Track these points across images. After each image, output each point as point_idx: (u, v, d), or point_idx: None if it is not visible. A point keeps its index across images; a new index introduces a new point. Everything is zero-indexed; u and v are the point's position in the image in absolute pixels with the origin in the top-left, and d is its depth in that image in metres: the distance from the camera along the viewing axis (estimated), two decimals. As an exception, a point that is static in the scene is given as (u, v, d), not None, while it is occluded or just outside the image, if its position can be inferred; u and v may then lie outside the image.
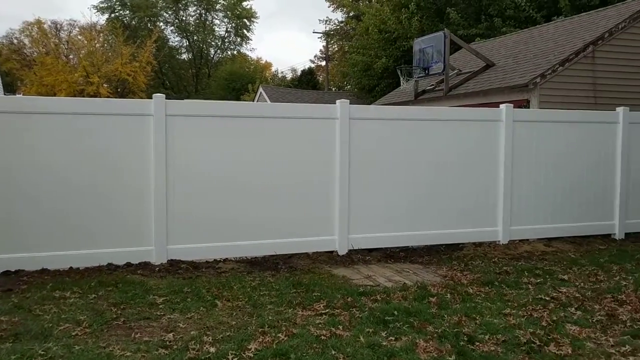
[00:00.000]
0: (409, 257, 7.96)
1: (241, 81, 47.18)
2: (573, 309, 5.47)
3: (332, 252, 7.93)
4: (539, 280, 6.53)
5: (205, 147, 7.33)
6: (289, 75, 56.34)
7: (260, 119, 7.63)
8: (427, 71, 14.43)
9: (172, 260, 7.17)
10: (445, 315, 5.22)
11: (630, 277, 6.68)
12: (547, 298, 5.81)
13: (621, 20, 12.20)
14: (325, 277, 6.73)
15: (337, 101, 8.02)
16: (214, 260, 7.42)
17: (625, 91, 12.20)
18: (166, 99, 7.22)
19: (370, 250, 8.14)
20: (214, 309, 5.40)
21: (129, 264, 6.99)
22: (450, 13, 23.33)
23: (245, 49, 65.20)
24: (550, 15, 20.81)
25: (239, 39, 64.41)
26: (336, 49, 46.00)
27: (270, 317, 5.13)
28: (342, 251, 7.92)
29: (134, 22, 57.35)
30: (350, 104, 8.05)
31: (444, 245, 8.48)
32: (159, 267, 6.96)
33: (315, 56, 63.01)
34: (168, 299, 5.64)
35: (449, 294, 5.96)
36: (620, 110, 9.40)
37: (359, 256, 7.92)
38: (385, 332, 4.80)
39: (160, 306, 5.45)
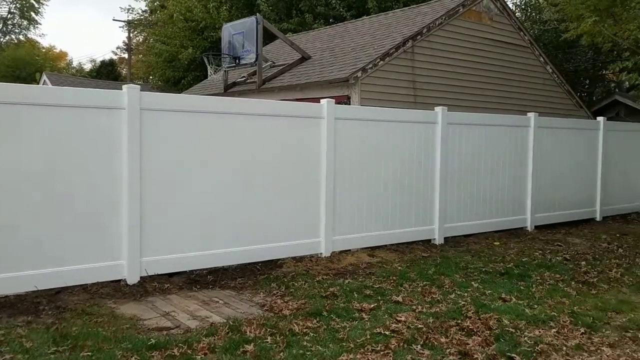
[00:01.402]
0: (219, 281, 6.51)
1: (27, 69, 41.56)
2: (419, 346, 4.49)
3: (119, 281, 6.13)
4: (372, 305, 5.52)
5: None
6: (88, 66, 51.30)
7: None
8: (237, 61, 13.04)
9: None
10: (267, 376, 3.87)
11: (465, 294, 6.01)
12: (387, 332, 4.79)
13: (438, 17, 12.09)
14: (106, 321, 4.98)
15: (124, 86, 6.22)
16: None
17: (443, 90, 12.13)
18: None
19: (170, 275, 6.52)
20: None
21: None
22: (260, 5, 22.36)
23: (33, 34, 57.59)
24: (359, 14, 20.94)
25: (25, 22, 56.59)
26: (141, 40, 42.69)
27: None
28: (132, 279, 6.16)
29: None
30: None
31: (260, 262, 7.17)
32: None
33: (117, 47, 58.49)
34: None
35: (269, 337, 4.63)
36: (439, 109, 8.99)
37: (155, 284, 6.25)
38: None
39: None
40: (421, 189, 8.76)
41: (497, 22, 13.25)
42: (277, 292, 6.07)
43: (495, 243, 9.12)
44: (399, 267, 7.25)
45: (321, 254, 7.69)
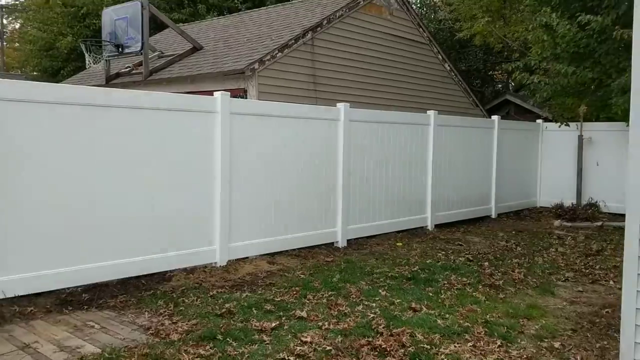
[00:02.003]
0: (96, 301, 5.61)
1: None
2: (329, 374, 3.95)
3: (-35, 307, 5.06)
4: (274, 324, 4.91)
5: None
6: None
7: None
8: (121, 49, 11.85)
9: None
10: None
11: (374, 304, 5.57)
12: (292, 358, 4.20)
13: (338, 8, 11.67)
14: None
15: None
16: None
17: (345, 86, 11.74)
18: None
19: (37, 296, 5.52)
20: None
21: None
22: (150, -8, 21.00)
23: None
24: (255, 7, 20.26)
25: None
26: (17, 26, 39.08)
27: None
28: (-16, 305, 5.11)
29: None
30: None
31: (145, 276, 6.32)
32: None
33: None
34: None
35: (153, 372, 3.89)
36: (341, 106, 8.55)
37: (15, 308, 5.24)
38: None
39: None
40: (324, 189, 8.28)
41: (397, 17, 13.11)
42: (165, 311, 5.31)
43: (398, 244, 8.86)
44: (302, 276, 6.70)
45: (216, 263, 6.97)
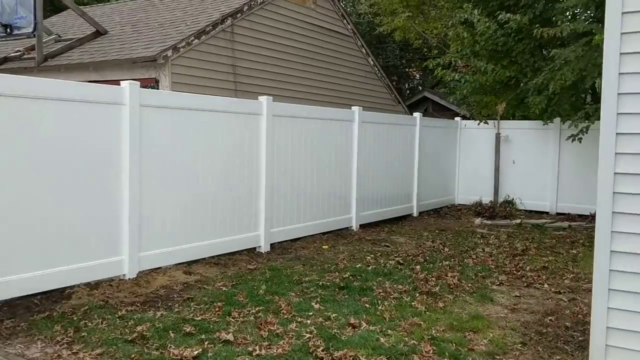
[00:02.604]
0: (-28, 329, 4.65)
1: None
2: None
3: None
4: (196, 352, 4.23)
5: None
6: None
7: None
8: (8, 30, 10.46)
9: None
10: None
11: (308, 321, 5.01)
12: (221, 396, 3.56)
13: (259, -5, 11.00)
14: None
15: None
16: None
17: (267, 78, 11.07)
18: None
19: None
20: None
21: None
22: (46, -30, 19.16)
23: None
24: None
25: None
26: None
27: None
28: None
29: None
30: None
31: (39, 295, 5.40)
32: None
33: None
34: None
35: None
36: (263, 99, 7.91)
37: None
38: None
39: None
40: (245, 190, 7.62)
41: (321, 6, 12.59)
42: (63, 339, 4.48)
43: (323, 246, 8.38)
44: (224, 288, 6.02)
45: (124, 275, 6.13)
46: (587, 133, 10.60)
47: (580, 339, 4.68)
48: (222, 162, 7.25)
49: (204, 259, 7.08)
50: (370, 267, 7.15)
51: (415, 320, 5.00)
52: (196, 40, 9.62)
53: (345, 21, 13.30)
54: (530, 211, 12.32)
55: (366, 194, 10.02)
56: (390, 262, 7.48)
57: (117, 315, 5.02)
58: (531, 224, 10.82)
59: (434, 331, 4.76)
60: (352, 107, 9.76)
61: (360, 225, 9.96)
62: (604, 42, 3.25)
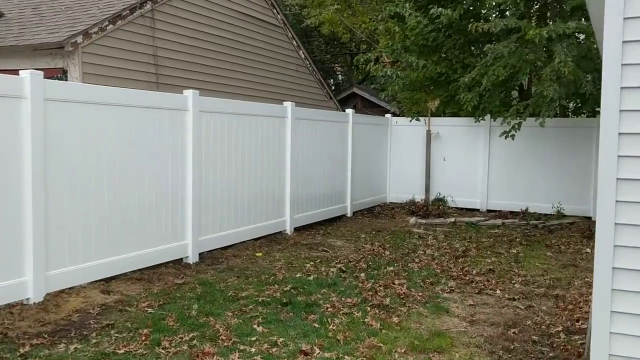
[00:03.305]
0: None
1: None
2: None
3: None
4: (121, 398, 3.48)
5: None
6: None
7: None
8: None
9: None
10: None
11: (253, 349, 4.36)
12: None
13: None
14: None
15: None
16: None
17: (192, 70, 10.18)
18: None
19: None
20: None
21: None
22: None
23: None
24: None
25: None
26: None
27: None
28: None
29: None
30: None
31: None
32: None
33: None
34: None
35: None
36: (189, 93, 7.13)
37: None
38: None
39: None
40: (170, 194, 6.82)
41: (249, -7, 11.83)
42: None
43: (257, 254, 7.72)
44: (150, 309, 5.24)
45: (29, 299, 5.21)
46: (519, 130, 10.56)
47: (550, 355, 4.33)
48: (143, 163, 6.41)
49: (125, 274, 6.24)
50: (312, 276, 6.58)
51: (373, 342, 4.48)
52: (111, 26, 8.60)
53: (274, 10, 12.60)
54: (462, 209, 12.22)
55: (301, 195, 9.45)
56: (332, 269, 6.94)
57: (18, 353, 4.14)
58: (465, 222, 10.67)
59: (396, 355, 4.25)
60: (284, 103, 9.14)
61: (295, 229, 9.37)
62: (604, 28, 2.83)
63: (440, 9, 10.92)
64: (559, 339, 4.61)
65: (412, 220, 10.81)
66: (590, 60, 9.76)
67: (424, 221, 10.76)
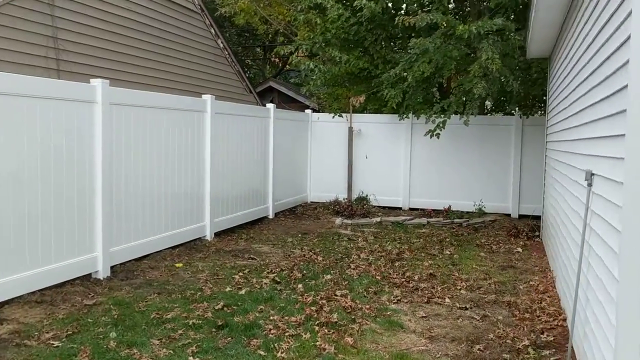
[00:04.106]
0: None
1: None
2: None
3: None
4: None
5: None
6: None
7: None
8: None
9: None
10: None
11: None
12: None
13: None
14: None
15: None
16: None
17: (99, 57, 9.02)
18: None
19: None
20: None
21: None
22: None
23: None
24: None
25: None
26: None
27: None
28: None
29: None
30: None
31: None
32: None
33: None
34: None
35: None
36: (97, 83, 6.17)
37: None
38: None
39: None
40: (77, 200, 5.85)
41: (162, -27, 10.78)
42: None
43: (177, 265, 6.90)
44: (56, 342, 4.33)
45: None
46: (444, 128, 10.41)
47: (527, 375, 3.97)
48: (43, 162, 5.41)
49: (21, 297, 5.22)
50: (244, 290, 5.89)
51: (332, 372, 3.90)
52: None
53: (191, -7, 11.64)
54: (384, 207, 11.98)
55: (222, 198, 8.68)
56: (264, 280, 6.28)
57: None
58: (391, 221, 10.38)
59: (363, 389, 3.70)
60: (204, 96, 8.32)
61: (215, 234, 8.60)
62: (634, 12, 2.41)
63: (364, 1, 10.53)
64: (528, 355, 4.27)
65: (338, 220, 10.36)
66: (512, 58, 9.76)
67: (349, 221, 10.34)
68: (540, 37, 7.58)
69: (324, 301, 5.52)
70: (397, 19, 9.85)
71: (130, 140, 6.64)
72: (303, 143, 12.20)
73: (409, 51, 10.25)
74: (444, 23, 9.83)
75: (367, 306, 5.44)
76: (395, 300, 5.68)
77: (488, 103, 10.45)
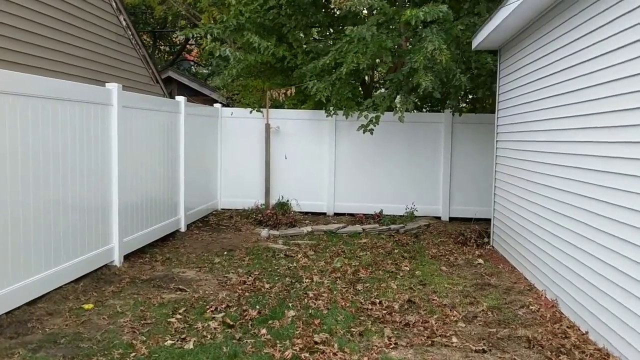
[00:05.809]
0: None
1: None
2: None
3: None
4: None
5: None
6: None
7: None
8: None
9: None
10: None
11: None
12: None
13: None
14: None
15: None
16: None
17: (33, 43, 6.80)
18: None
19: None
20: None
21: None
22: None
23: None
24: None
25: None
26: None
27: None
28: None
29: None
30: None
31: None
32: None
33: None
34: None
35: None
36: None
37: None
38: None
39: None
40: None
41: None
42: None
43: (86, 307, 5.21)
44: None
45: None
46: (378, 124, 9.44)
47: None
48: None
49: None
50: (191, 342, 4.40)
51: None
52: None
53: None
54: (307, 213, 10.80)
55: (132, 212, 6.97)
56: (211, 324, 4.82)
57: None
58: (323, 231, 9.20)
59: None
60: (108, 85, 6.54)
61: (125, 257, 6.86)
62: None
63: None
64: None
65: (264, 232, 8.96)
66: (455, 50, 9.00)
67: (277, 232, 9.00)
68: (507, 25, 6.80)
69: (305, 354, 4.20)
70: (333, 0, 8.66)
71: (17, 142, 4.80)
72: (213, 142, 10.62)
73: (342, 39, 9.12)
74: (380, 8, 8.84)
75: (358, 355, 4.21)
76: (392, 345, 4.50)
77: (414, 99, 9.66)
